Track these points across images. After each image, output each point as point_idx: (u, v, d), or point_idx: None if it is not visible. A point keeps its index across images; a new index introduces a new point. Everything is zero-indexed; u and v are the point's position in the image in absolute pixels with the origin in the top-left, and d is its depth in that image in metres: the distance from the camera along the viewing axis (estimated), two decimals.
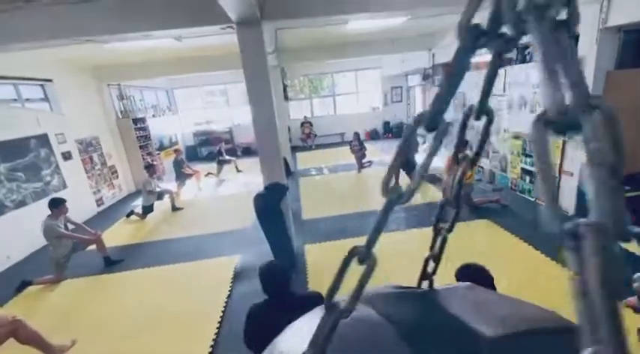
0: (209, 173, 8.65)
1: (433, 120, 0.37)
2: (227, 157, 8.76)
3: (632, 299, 2.68)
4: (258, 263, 3.89)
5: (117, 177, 7.59)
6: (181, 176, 7.42)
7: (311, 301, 1.72)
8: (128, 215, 6.12)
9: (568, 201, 4.44)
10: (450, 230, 0.57)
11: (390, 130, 12.41)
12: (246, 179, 8.15)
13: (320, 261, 3.93)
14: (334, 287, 0.36)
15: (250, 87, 3.44)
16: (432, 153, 0.38)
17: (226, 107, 12.24)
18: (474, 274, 1.62)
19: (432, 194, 5.78)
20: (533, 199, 5.05)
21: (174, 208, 6.28)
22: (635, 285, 2.07)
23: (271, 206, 3.53)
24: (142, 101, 9.51)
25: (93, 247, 4.30)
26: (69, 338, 2.89)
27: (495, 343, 0.39)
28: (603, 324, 0.22)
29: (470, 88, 6.83)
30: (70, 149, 6.13)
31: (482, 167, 6.36)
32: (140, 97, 9.41)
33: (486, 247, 3.85)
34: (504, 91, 5.61)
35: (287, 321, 1.58)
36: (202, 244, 4.73)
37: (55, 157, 5.71)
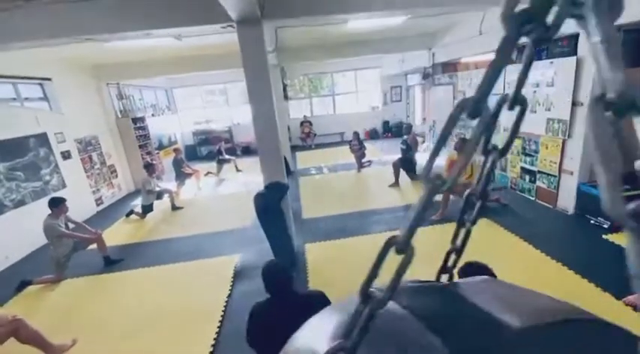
0: (209, 172, 8.65)
1: (476, 107, 0.37)
2: (227, 157, 8.76)
3: (632, 297, 2.68)
4: (259, 262, 3.92)
5: (116, 176, 7.57)
6: (181, 175, 7.41)
7: (313, 300, 1.72)
8: (128, 215, 6.11)
9: (568, 200, 4.46)
10: (474, 222, 0.57)
11: (389, 130, 12.41)
12: (246, 178, 8.15)
13: (320, 260, 3.93)
14: (371, 277, 0.35)
15: (251, 86, 3.44)
16: (477, 140, 0.38)
17: (226, 106, 12.23)
18: (477, 272, 1.62)
19: None
20: (533, 199, 5.06)
21: (174, 208, 6.27)
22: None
23: (272, 205, 3.53)
24: (142, 100, 9.49)
25: (92, 246, 4.30)
26: (69, 338, 2.89)
27: (525, 333, 0.39)
28: None
29: (469, 88, 6.84)
30: (70, 148, 6.12)
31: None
32: (139, 96, 9.39)
33: (486, 246, 3.84)
34: (504, 90, 5.62)
35: (290, 320, 1.58)
36: (202, 243, 4.73)
37: (55, 156, 5.70)
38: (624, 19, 3.72)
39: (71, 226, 4.19)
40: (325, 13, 3.44)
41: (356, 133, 7.94)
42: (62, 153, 5.89)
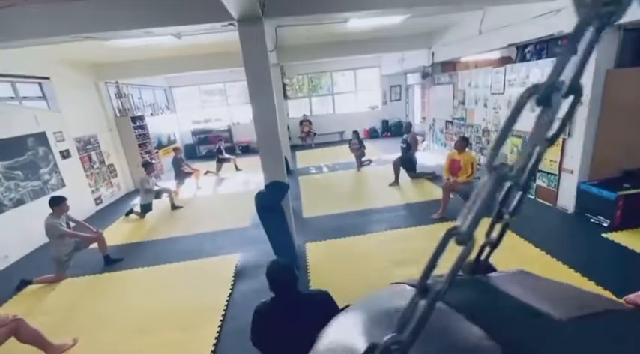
0: (208, 172, 8.64)
1: (548, 93, 0.35)
2: (226, 156, 8.75)
3: (632, 295, 2.69)
4: (259, 261, 3.92)
5: (115, 176, 7.55)
6: (180, 175, 7.40)
7: (318, 299, 1.72)
8: (127, 214, 6.10)
9: (568, 199, 4.47)
10: (513, 214, 0.55)
11: (388, 129, 12.42)
12: (246, 178, 8.15)
13: (321, 259, 3.93)
14: (430, 268, 0.35)
15: (252, 85, 3.43)
16: (547, 127, 0.36)
17: (225, 106, 12.20)
18: (482, 271, 1.62)
19: (430, 192, 5.80)
20: (533, 197, 5.07)
21: (174, 207, 6.26)
22: None
23: (272, 204, 3.53)
24: (140, 100, 9.46)
25: (93, 245, 4.28)
26: (70, 337, 2.88)
27: (571, 324, 0.38)
28: None
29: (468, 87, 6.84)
30: (69, 148, 6.09)
31: (481, 165, 6.38)
32: (138, 95, 9.37)
33: None
34: (504, 90, 5.62)
35: (295, 319, 1.58)
36: (202, 242, 4.73)
37: (54, 155, 5.67)
38: (624, 18, 3.73)
39: (72, 225, 4.17)
40: (327, 11, 3.43)
41: (356, 133, 7.93)
42: (61, 152, 5.87)
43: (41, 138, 5.44)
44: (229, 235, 4.90)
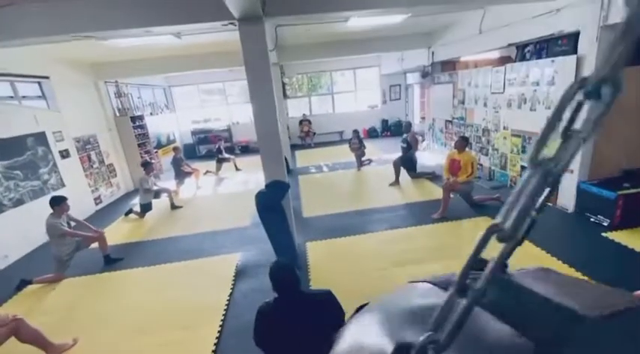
0: (208, 171, 8.63)
1: (597, 86, 0.33)
2: (226, 155, 8.74)
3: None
4: (260, 261, 3.92)
5: (115, 175, 7.54)
6: (180, 174, 7.39)
7: (320, 299, 1.72)
8: (127, 214, 6.09)
9: (568, 198, 4.47)
10: (540, 210, 0.54)
11: (388, 128, 12.42)
12: (245, 177, 8.14)
13: (322, 258, 3.93)
14: (469, 266, 0.33)
15: (252, 84, 3.42)
16: (599, 122, 0.33)
17: (225, 105, 12.19)
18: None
19: (430, 191, 5.80)
20: None
21: (174, 207, 6.25)
22: None
23: (273, 204, 3.53)
24: (140, 99, 9.45)
25: (93, 245, 4.28)
26: (70, 337, 2.87)
27: (598, 322, 0.38)
28: None
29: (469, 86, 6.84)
30: (68, 147, 6.08)
31: (481, 164, 6.38)
32: (138, 94, 9.35)
33: None
34: (504, 89, 5.62)
35: (298, 319, 1.58)
36: (203, 242, 4.72)
37: (53, 155, 5.66)
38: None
39: (73, 224, 4.16)
40: (328, 10, 3.42)
41: (356, 132, 7.93)
42: (61, 152, 5.85)
43: (40, 137, 5.43)
44: (229, 234, 4.90)
